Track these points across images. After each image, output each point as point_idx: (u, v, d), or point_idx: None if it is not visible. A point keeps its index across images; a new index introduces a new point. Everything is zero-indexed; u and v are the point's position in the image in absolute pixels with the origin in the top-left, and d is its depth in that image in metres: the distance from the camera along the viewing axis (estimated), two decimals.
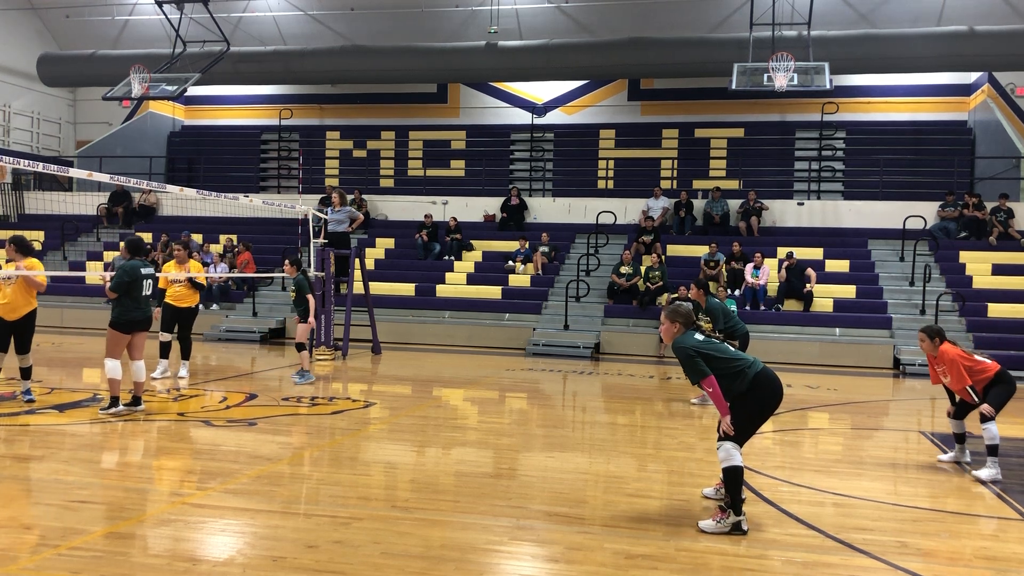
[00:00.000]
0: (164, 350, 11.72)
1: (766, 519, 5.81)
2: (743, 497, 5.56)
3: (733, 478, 5.49)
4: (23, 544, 4.90)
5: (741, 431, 5.64)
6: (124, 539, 5.06)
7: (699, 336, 5.70)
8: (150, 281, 8.99)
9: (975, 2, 20.84)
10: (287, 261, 12.34)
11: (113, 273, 8.90)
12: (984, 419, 7.26)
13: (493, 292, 18.73)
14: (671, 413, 10.49)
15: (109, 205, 23.09)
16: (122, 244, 9.80)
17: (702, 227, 20.38)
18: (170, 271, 11.90)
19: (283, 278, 19.74)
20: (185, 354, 11.88)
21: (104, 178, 11.05)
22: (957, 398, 7.66)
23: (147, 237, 21.40)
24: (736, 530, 5.44)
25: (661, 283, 17.60)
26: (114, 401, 8.71)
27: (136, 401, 8.89)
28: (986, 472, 7.16)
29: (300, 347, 11.86)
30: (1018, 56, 19.09)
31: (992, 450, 7.19)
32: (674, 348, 5.69)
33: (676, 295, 16.75)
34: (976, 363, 7.46)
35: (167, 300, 11.82)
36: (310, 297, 11.83)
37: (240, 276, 18.76)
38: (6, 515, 5.43)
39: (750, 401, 5.61)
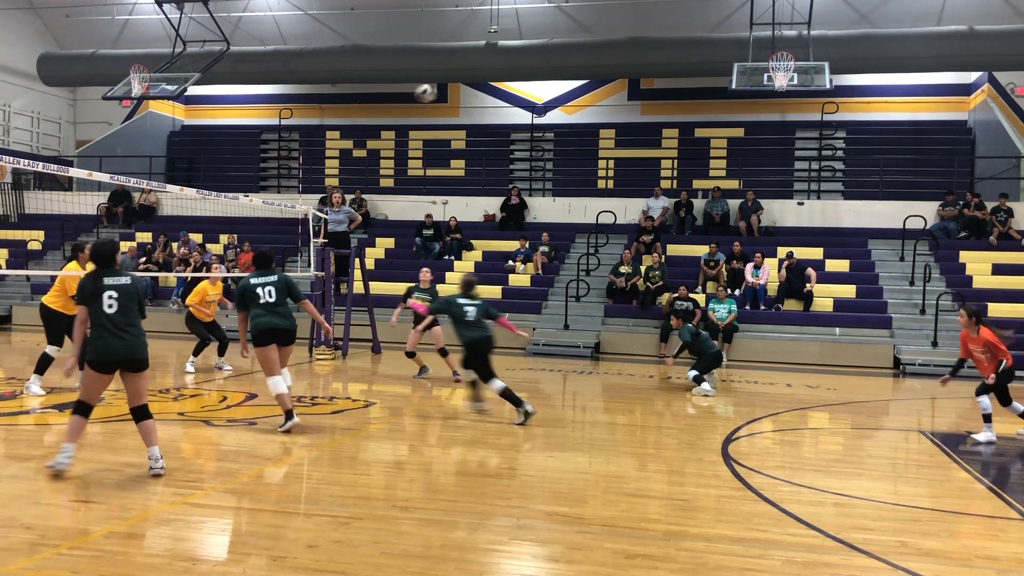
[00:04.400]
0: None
1: (766, 519, 5.81)
2: None
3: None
4: (23, 544, 4.90)
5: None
6: (124, 539, 5.06)
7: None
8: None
9: (975, 2, 20.83)
10: (426, 269, 12.76)
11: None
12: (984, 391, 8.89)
13: (493, 292, 18.71)
14: (671, 413, 10.50)
15: (109, 205, 23.09)
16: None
17: (702, 227, 20.38)
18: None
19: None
20: None
21: (104, 178, 11.06)
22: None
23: (147, 237, 21.43)
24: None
25: (661, 283, 17.60)
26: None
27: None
28: (983, 435, 8.80)
29: (445, 353, 12.21)
30: (1018, 56, 19.08)
31: (987, 418, 8.85)
32: None
33: (677, 295, 16.76)
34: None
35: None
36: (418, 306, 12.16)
37: (240, 276, 18.73)
38: (6, 515, 5.43)
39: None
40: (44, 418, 8.75)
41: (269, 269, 8.54)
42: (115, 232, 22.41)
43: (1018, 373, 14.78)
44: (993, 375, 8.81)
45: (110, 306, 6.38)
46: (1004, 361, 8.84)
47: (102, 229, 22.78)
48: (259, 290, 8.32)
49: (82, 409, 6.49)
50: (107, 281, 6.43)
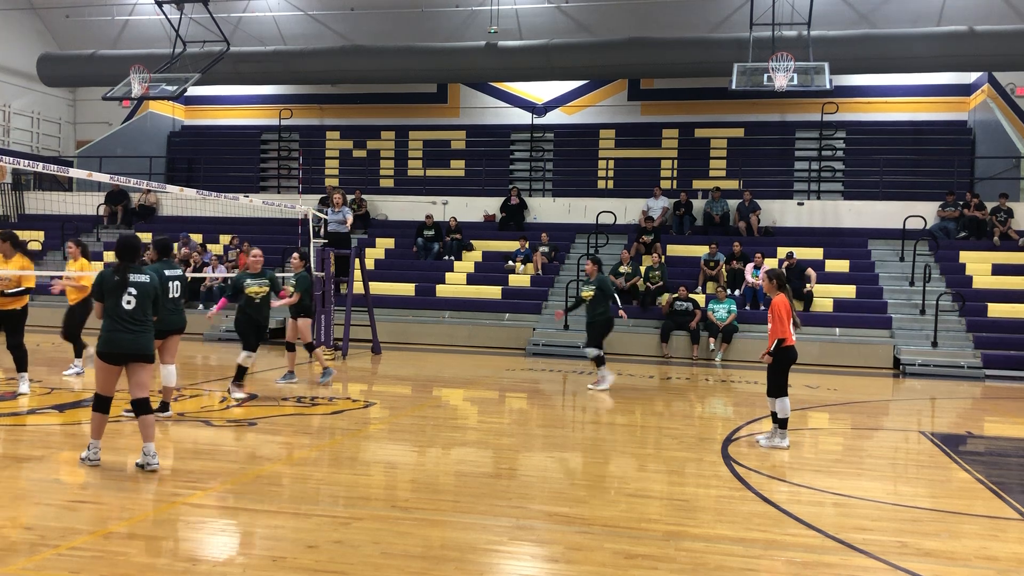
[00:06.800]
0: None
1: (766, 519, 5.81)
2: None
3: None
4: (23, 544, 4.90)
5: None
6: (124, 539, 5.06)
7: None
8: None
9: (975, 2, 20.84)
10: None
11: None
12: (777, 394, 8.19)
13: (493, 292, 18.73)
14: (671, 413, 10.50)
15: (108, 205, 23.08)
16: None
17: (702, 227, 20.39)
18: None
19: (283, 278, 19.73)
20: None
21: (104, 178, 11.05)
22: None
23: (147, 237, 21.40)
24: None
25: (661, 283, 17.60)
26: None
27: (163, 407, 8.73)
28: (764, 439, 8.27)
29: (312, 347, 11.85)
30: (1018, 56, 19.08)
31: (783, 423, 8.18)
32: None
33: (677, 295, 16.76)
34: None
35: None
36: None
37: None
38: (6, 515, 5.43)
39: None
40: (44, 418, 8.75)
41: (171, 260, 8.85)
42: (115, 232, 22.41)
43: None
44: (767, 354, 8.19)
45: (128, 303, 6.56)
46: (783, 340, 8.08)
47: (102, 229, 22.79)
48: (168, 284, 8.41)
49: (100, 403, 6.63)
50: (131, 278, 6.60)
